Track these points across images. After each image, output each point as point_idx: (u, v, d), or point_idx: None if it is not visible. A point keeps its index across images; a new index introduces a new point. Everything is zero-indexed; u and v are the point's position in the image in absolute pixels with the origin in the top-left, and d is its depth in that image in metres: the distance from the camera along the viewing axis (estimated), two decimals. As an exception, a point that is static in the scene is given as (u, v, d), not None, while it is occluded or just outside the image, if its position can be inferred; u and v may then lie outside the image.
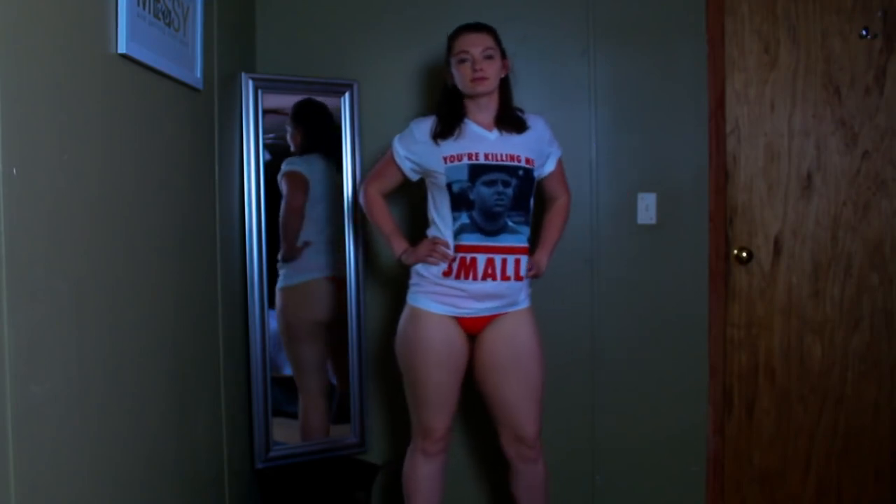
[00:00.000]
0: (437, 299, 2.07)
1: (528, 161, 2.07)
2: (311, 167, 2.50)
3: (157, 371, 1.61)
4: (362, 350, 2.56)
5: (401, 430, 2.64)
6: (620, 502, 2.65)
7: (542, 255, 2.22)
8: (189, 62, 1.82)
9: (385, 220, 2.19)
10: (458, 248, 2.04)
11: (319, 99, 2.53)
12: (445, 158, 2.04)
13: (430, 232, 2.11)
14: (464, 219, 2.04)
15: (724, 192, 2.62)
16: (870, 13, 2.56)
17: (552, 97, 2.60)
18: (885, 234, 2.61)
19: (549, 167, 2.19)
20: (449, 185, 2.04)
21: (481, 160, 2.03)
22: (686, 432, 2.64)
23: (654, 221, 2.61)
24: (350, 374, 2.55)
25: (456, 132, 2.07)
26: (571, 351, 2.63)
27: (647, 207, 2.60)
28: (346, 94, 2.52)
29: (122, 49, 1.40)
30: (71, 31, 1.25)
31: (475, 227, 2.03)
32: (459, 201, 2.03)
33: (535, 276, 2.18)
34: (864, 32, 2.56)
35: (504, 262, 2.04)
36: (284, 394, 2.55)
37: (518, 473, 2.18)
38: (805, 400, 2.65)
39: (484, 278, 2.04)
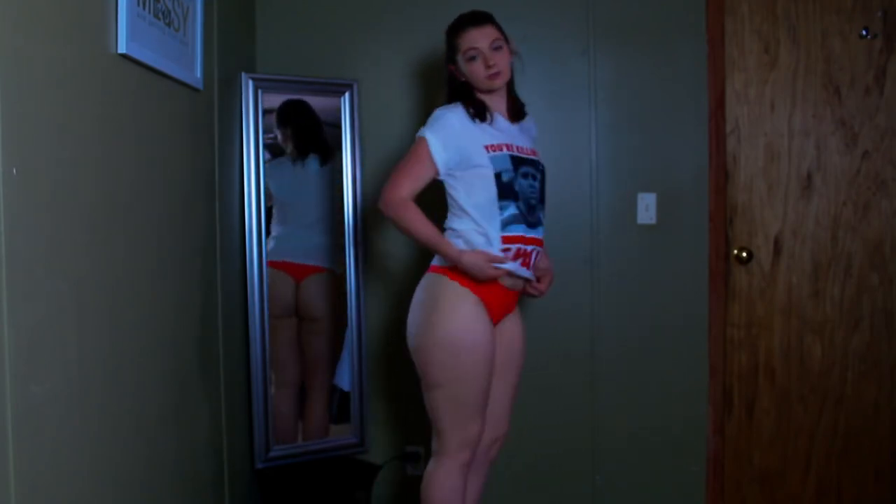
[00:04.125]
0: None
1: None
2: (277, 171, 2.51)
3: (157, 371, 1.61)
4: (362, 349, 2.56)
5: (401, 431, 2.64)
6: (620, 502, 2.65)
7: (548, 259, 2.17)
8: (189, 62, 1.82)
9: (429, 227, 1.93)
10: (506, 240, 1.93)
11: (319, 99, 2.53)
12: (487, 147, 1.94)
13: (457, 225, 1.95)
14: (512, 209, 1.93)
15: (724, 192, 2.62)
16: (870, 13, 2.56)
17: (552, 97, 2.60)
18: (885, 234, 2.61)
19: None
20: (498, 175, 1.92)
21: (515, 152, 1.98)
22: (686, 432, 2.64)
23: (654, 221, 2.61)
24: (351, 373, 2.55)
25: (488, 119, 1.99)
26: (571, 351, 2.63)
27: (647, 207, 2.60)
28: (346, 94, 2.52)
29: (122, 49, 1.40)
30: (71, 31, 1.25)
31: (522, 219, 1.95)
32: (507, 191, 1.92)
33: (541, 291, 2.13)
34: (864, 32, 2.56)
35: (537, 254, 2.02)
36: (284, 394, 2.55)
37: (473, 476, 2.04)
38: (805, 400, 2.65)
39: (523, 265, 1.98)
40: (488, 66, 1.95)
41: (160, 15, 1.60)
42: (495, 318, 1.98)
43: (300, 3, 2.60)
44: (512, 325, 2.06)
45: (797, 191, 2.62)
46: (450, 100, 2.03)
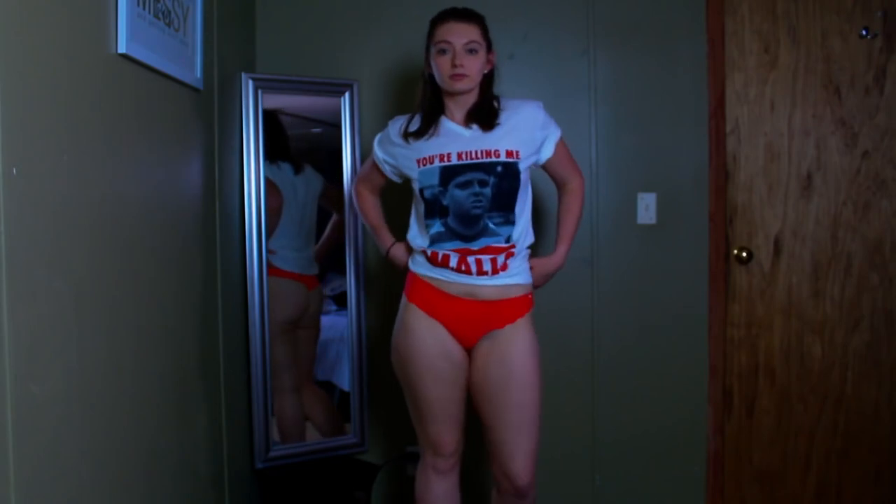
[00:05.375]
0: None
1: (509, 153, 1.87)
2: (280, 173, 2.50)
3: (157, 371, 1.61)
4: (362, 349, 2.56)
5: (401, 431, 2.64)
6: (620, 502, 2.65)
7: (561, 248, 2.06)
8: (189, 62, 1.82)
9: (371, 214, 2.14)
10: (433, 253, 1.94)
11: (319, 99, 2.53)
12: (419, 161, 1.90)
13: (408, 236, 2.02)
14: (437, 227, 1.90)
15: (724, 191, 2.62)
16: (870, 13, 2.56)
17: (552, 97, 2.59)
18: (885, 234, 2.61)
19: (547, 153, 1.97)
20: (421, 191, 1.91)
21: (454, 161, 1.87)
22: (686, 432, 2.64)
23: (654, 221, 2.61)
24: (350, 373, 2.56)
25: (430, 131, 1.92)
26: (571, 351, 2.63)
27: (647, 207, 2.60)
28: (346, 94, 2.52)
29: (122, 49, 1.40)
30: (71, 31, 1.25)
31: (452, 235, 1.89)
32: (433, 208, 1.90)
33: (546, 274, 2.04)
34: (864, 32, 2.56)
35: (479, 261, 1.88)
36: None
37: (504, 500, 2.00)
38: (805, 400, 2.65)
39: (458, 272, 1.90)
40: (454, 65, 1.85)
41: (160, 15, 1.60)
42: (464, 336, 1.93)
43: (300, 3, 2.60)
44: (495, 345, 1.92)
45: (797, 191, 2.62)
46: (419, 94, 1.99)
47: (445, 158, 1.87)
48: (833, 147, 2.61)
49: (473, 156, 1.87)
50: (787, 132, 2.62)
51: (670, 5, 2.59)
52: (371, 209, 2.14)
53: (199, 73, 1.87)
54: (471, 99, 1.93)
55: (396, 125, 1.99)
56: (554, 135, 1.97)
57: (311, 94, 2.51)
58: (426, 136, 1.92)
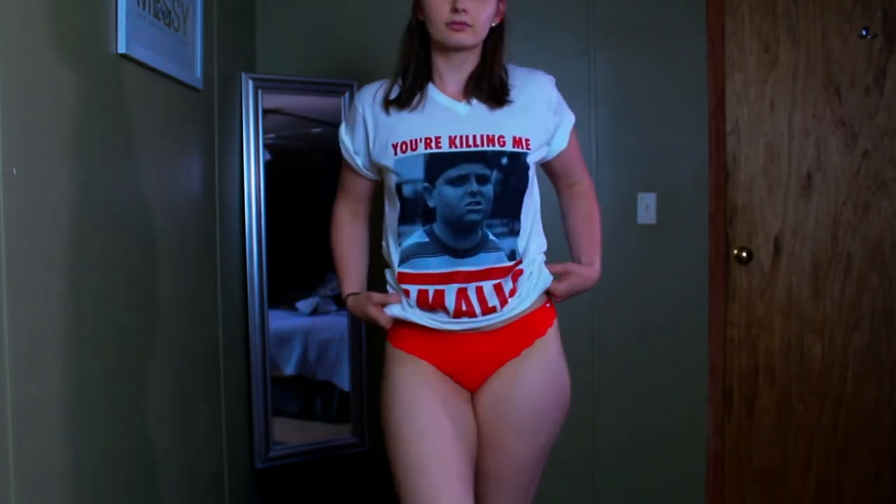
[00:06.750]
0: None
1: (517, 142, 1.42)
2: None
3: (157, 371, 1.61)
4: (362, 349, 2.56)
5: (401, 430, 2.65)
6: (620, 502, 2.65)
7: (596, 259, 1.68)
8: (189, 62, 1.82)
9: (339, 250, 1.63)
10: (406, 279, 1.47)
11: (319, 99, 2.53)
12: (395, 147, 1.42)
13: (384, 244, 1.57)
14: (418, 236, 1.43)
15: (724, 191, 2.62)
16: (870, 13, 2.56)
17: (552, 97, 2.60)
18: (885, 234, 2.61)
19: (560, 144, 1.54)
20: (399, 187, 1.42)
21: (444, 147, 1.39)
22: (686, 432, 2.64)
23: (654, 221, 2.61)
24: (350, 373, 2.56)
25: (415, 100, 1.44)
26: (571, 351, 2.62)
27: (647, 207, 2.60)
28: (346, 94, 2.52)
29: (122, 49, 1.40)
30: (71, 31, 1.25)
31: (439, 248, 1.42)
32: (413, 211, 1.42)
33: (580, 290, 1.67)
34: (864, 32, 2.56)
35: (480, 291, 1.43)
36: (284, 394, 2.55)
37: None
38: (805, 400, 2.65)
39: (458, 316, 1.44)
40: (455, 10, 1.37)
41: (160, 15, 1.60)
42: (471, 379, 1.51)
43: (300, 3, 2.60)
44: (496, 380, 1.49)
45: (797, 191, 2.62)
46: (400, 46, 1.51)
47: (433, 143, 1.39)
48: (833, 147, 2.61)
49: (471, 142, 1.40)
50: (787, 132, 2.62)
51: (670, 5, 2.59)
52: (344, 241, 1.63)
53: (199, 73, 1.87)
54: (470, 62, 1.46)
55: (368, 93, 1.49)
56: (568, 121, 1.55)
57: (311, 94, 2.51)
58: (409, 107, 1.44)
